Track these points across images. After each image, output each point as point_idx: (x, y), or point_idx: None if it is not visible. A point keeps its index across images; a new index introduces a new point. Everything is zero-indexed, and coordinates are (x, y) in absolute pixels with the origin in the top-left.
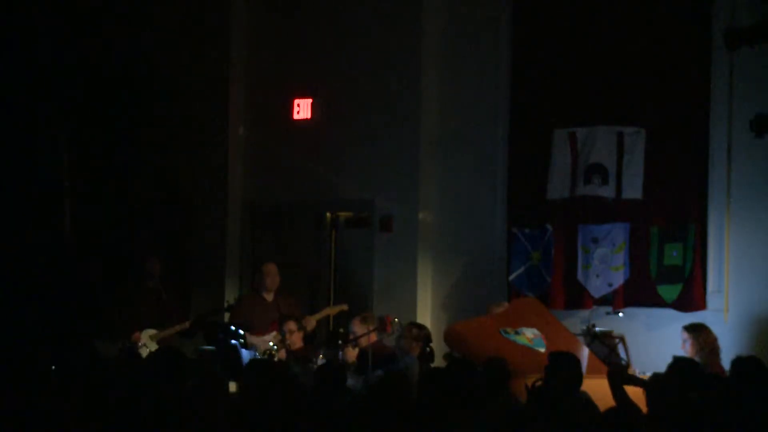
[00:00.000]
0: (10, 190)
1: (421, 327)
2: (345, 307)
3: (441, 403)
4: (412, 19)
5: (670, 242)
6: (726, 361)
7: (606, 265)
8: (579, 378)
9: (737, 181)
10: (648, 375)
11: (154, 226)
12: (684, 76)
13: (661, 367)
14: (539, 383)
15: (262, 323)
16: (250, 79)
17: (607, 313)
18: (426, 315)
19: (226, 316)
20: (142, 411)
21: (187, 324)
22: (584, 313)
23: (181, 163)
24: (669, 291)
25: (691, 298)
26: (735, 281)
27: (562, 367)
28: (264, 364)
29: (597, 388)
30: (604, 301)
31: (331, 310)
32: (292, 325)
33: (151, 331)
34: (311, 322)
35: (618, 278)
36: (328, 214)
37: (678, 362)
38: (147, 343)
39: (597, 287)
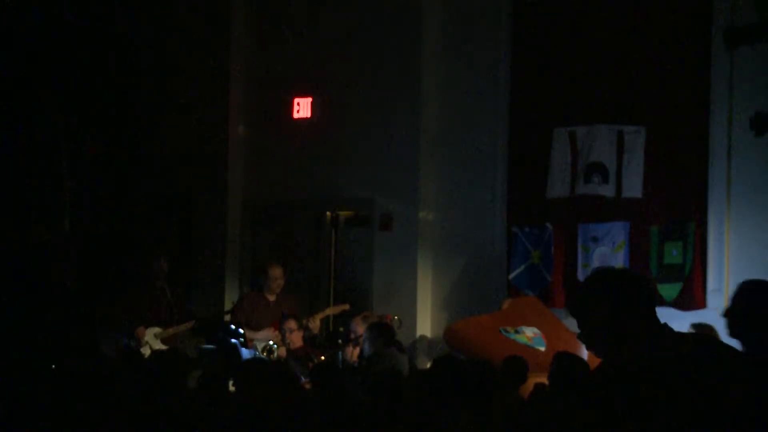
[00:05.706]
0: (10, 187)
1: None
2: (346, 306)
3: (433, 402)
4: (412, 18)
5: (670, 241)
6: None
7: (606, 264)
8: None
9: (737, 179)
10: None
11: (153, 225)
12: (684, 75)
13: None
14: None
15: (263, 322)
16: (250, 78)
17: None
18: (426, 314)
19: (228, 317)
20: (143, 410)
21: (190, 324)
22: None
23: (181, 162)
24: (669, 290)
25: (691, 296)
26: (735, 280)
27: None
28: (263, 363)
29: None
30: None
31: (333, 310)
32: (292, 324)
33: (156, 330)
34: (316, 322)
35: None
36: (328, 213)
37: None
38: (151, 341)
39: None
